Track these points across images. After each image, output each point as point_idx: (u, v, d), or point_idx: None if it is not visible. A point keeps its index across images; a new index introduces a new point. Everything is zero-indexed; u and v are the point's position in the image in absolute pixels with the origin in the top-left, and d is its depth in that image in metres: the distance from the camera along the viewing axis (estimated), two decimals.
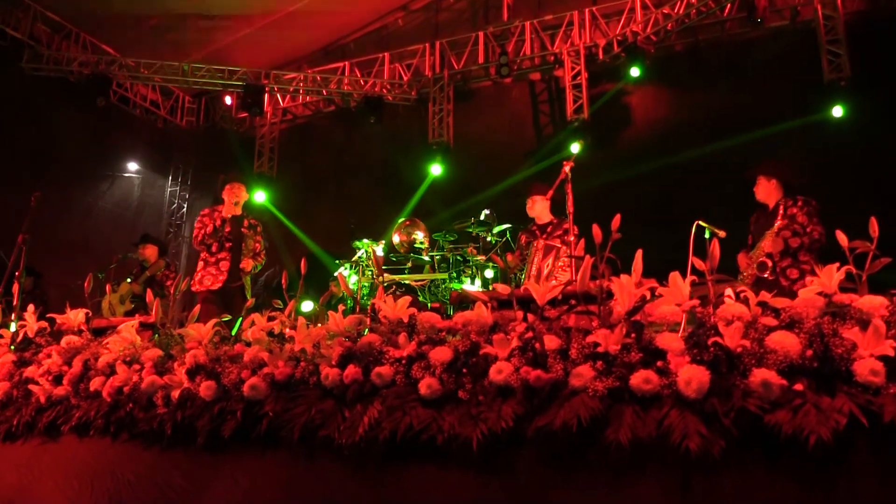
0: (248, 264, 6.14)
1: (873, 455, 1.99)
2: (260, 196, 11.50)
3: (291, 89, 12.09)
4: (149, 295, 4.17)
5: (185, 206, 12.67)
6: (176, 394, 3.03)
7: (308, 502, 2.67)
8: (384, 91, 11.57)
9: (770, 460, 2.07)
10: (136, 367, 3.27)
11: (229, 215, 6.09)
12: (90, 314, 3.88)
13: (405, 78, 11.69)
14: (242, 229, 6.22)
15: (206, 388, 2.95)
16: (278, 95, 12.52)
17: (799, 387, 2.10)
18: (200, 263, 6.12)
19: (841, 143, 8.59)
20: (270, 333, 3.10)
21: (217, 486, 2.84)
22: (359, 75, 11.84)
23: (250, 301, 3.90)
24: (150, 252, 7.30)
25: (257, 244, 6.30)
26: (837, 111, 8.61)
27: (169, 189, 12.81)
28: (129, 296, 7.12)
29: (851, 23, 8.99)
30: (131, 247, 7.57)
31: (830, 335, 2.17)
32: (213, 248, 6.09)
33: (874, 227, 2.46)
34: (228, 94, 12.37)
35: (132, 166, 12.26)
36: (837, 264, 2.41)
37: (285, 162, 12.40)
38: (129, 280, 7.23)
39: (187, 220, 12.64)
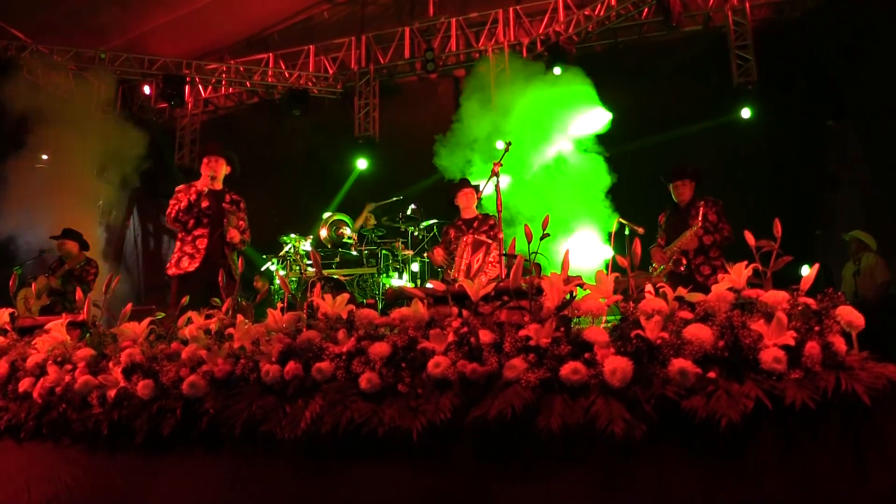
0: (234, 235, 5.57)
1: (775, 435, 2.20)
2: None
3: (213, 80, 11.89)
4: (78, 293, 4.06)
5: (101, 199, 12.21)
6: (112, 393, 3.01)
7: (252, 498, 2.71)
8: (309, 84, 11.51)
9: (686, 442, 2.26)
10: (68, 367, 3.22)
11: (206, 189, 5.57)
12: (16, 313, 3.78)
13: (331, 71, 11.65)
14: (224, 205, 5.69)
15: (143, 387, 2.94)
16: (200, 86, 12.27)
17: (712, 374, 2.29)
18: (176, 244, 5.62)
19: (749, 143, 9.10)
20: (208, 332, 3.11)
21: (159, 486, 2.85)
22: (283, 67, 11.73)
23: (263, 289, 3.63)
24: (71, 246, 7.10)
25: (241, 221, 5.75)
26: (746, 113, 9.11)
27: (86, 180, 12.31)
28: (46, 290, 6.91)
29: (759, 29, 9.52)
30: (50, 241, 7.34)
31: (740, 327, 2.36)
32: (190, 226, 5.54)
33: (777, 227, 2.68)
34: (147, 83, 12.02)
35: (43, 156, 11.76)
36: (746, 262, 2.62)
37: None
38: (46, 275, 7.01)
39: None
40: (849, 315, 2.35)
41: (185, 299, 3.66)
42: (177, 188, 5.63)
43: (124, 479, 2.91)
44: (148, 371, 3.04)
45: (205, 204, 5.52)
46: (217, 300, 3.30)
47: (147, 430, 2.90)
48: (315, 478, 2.68)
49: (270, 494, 2.73)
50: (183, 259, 5.46)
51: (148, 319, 3.32)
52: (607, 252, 8.53)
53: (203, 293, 4.28)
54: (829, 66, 8.83)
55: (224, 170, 5.81)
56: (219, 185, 5.76)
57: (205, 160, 5.78)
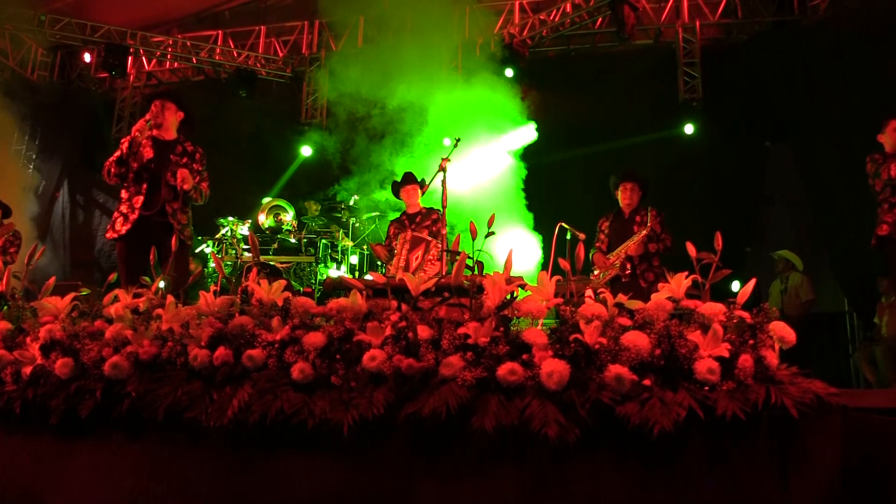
0: (185, 176, 4.77)
1: (706, 444, 2.24)
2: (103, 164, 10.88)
3: (158, 53, 11.51)
4: None
5: (31, 167, 11.68)
6: (27, 370, 2.86)
7: (173, 486, 2.61)
8: (258, 65, 11.27)
9: (619, 448, 2.27)
10: None
11: (145, 136, 4.82)
12: None
13: (280, 54, 11.43)
14: (172, 156, 4.94)
15: (61, 366, 2.80)
16: (143, 58, 11.87)
17: (647, 382, 2.31)
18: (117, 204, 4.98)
19: (689, 158, 9.31)
20: (136, 311, 2.98)
21: (74, 471, 2.72)
22: (232, 46, 11.45)
23: (196, 271, 3.30)
24: None
25: (197, 175, 5.00)
26: (689, 129, 9.31)
27: (13, 148, 11.78)
28: None
29: (707, 48, 9.74)
30: None
31: (677, 336, 2.39)
32: (130, 180, 4.84)
33: (718, 240, 2.72)
34: (88, 51, 11.55)
35: None
36: (686, 273, 2.65)
37: None
38: None
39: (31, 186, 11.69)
40: (781, 331, 2.40)
41: (113, 276, 3.52)
42: (122, 139, 4.97)
43: (35, 461, 2.77)
44: (68, 349, 2.89)
45: (147, 156, 4.84)
46: (147, 279, 3.16)
47: (63, 411, 2.76)
48: (240, 468, 2.60)
49: (192, 483, 2.63)
50: (118, 220, 4.85)
51: (71, 295, 3.17)
52: (538, 253, 8.62)
53: (142, 260, 3.79)
54: (770, 89, 9.10)
55: (175, 116, 5.11)
56: (169, 135, 5.08)
57: (153, 105, 5.05)
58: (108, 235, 4.93)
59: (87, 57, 11.71)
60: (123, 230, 4.79)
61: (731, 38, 9.94)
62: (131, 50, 11.18)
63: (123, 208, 4.87)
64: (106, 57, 10.87)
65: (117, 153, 4.84)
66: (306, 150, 10.76)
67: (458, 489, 2.38)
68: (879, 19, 7.98)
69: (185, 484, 2.61)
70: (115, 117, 11.69)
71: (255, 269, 3.09)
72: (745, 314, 2.46)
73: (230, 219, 8.22)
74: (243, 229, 8.22)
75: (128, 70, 11.46)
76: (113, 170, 4.84)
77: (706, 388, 2.28)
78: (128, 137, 4.85)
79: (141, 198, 4.83)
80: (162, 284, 3.14)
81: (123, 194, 4.93)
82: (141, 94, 11.94)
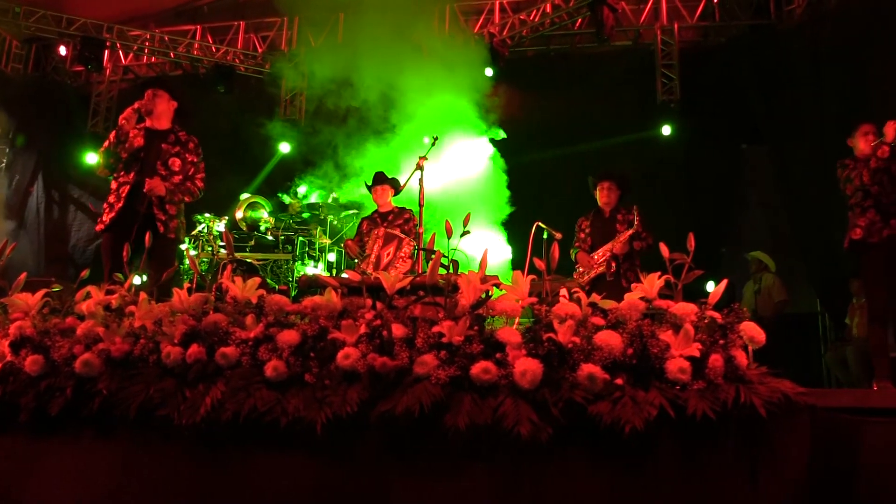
0: (154, 185, 4.56)
1: (677, 442, 2.26)
2: (92, 158, 10.78)
3: (136, 47, 11.38)
4: None
5: (4, 162, 11.50)
6: None
7: (145, 484, 2.58)
8: (237, 61, 11.20)
9: (591, 446, 2.29)
10: None
11: (133, 123, 4.69)
12: None
13: (259, 50, 11.36)
14: (163, 145, 4.83)
15: (31, 363, 2.76)
16: (120, 52, 11.73)
17: (619, 381, 2.32)
18: None
19: (667, 159, 9.38)
20: (108, 308, 2.95)
21: (45, 469, 2.69)
22: (210, 41, 11.36)
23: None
24: None
25: (191, 167, 4.90)
26: (667, 130, 9.39)
27: None
28: None
29: (685, 51, 9.83)
30: None
31: (649, 336, 2.41)
32: (120, 170, 4.71)
33: (691, 242, 2.75)
34: (64, 44, 11.39)
35: None
36: (659, 273, 2.68)
37: None
38: None
39: (4, 180, 11.52)
40: (751, 331, 2.43)
41: (86, 272, 3.47)
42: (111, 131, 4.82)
43: (5, 459, 2.73)
44: (38, 346, 2.85)
45: (137, 144, 4.71)
46: (120, 275, 3.12)
47: (34, 409, 2.73)
48: (212, 466, 2.58)
49: (164, 481, 2.61)
50: (105, 211, 4.70)
51: (43, 291, 3.12)
52: (507, 252, 8.65)
53: (114, 252, 3.63)
54: (747, 92, 9.19)
55: (167, 105, 4.96)
56: (161, 123, 4.93)
57: (144, 94, 4.90)
58: (97, 228, 4.79)
59: (62, 50, 11.56)
60: (108, 220, 4.66)
61: (709, 40, 10.03)
62: (108, 44, 11.04)
63: (111, 198, 4.74)
64: (82, 50, 10.72)
65: (105, 144, 4.74)
66: (284, 147, 10.70)
67: (431, 487, 2.39)
68: (854, 25, 8.08)
69: (157, 482, 2.59)
70: (90, 112, 11.57)
71: (229, 267, 3.07)
72: (717, 314, 2.49)
73: (206, 215, 8.15)
74: (220, 226, 8.16)
75: (104, 64, 11.32)
76: (101, 160, 4.75)
77: (677, 387, 2.30)
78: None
79: (128, 187, 4.69)
80: (138, 280, 3.11)
81: (113, 184, 4.81)
82: (118, 88, 11.82)
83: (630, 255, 5.93)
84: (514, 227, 8.78)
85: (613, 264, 5.90)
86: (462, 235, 3.10)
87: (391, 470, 2.43)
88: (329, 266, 8.54)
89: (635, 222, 5.91)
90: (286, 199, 8.85)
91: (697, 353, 2.35)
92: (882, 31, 7.66)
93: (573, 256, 6.25)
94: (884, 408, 2.39)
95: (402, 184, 6.02)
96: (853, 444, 2.26)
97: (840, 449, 2.28)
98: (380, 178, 6.47)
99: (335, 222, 8.79)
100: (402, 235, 5.57)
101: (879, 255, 4.90)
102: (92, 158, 10.77)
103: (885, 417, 2.31)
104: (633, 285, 2.72)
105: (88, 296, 3.01)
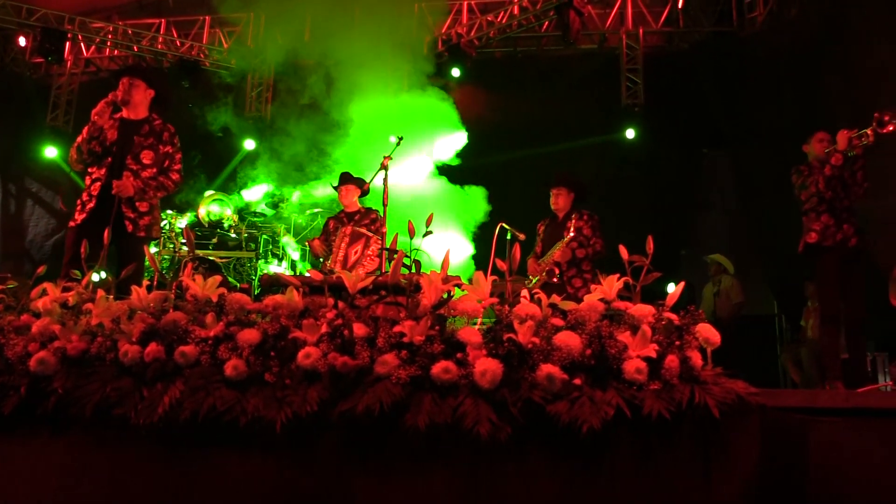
0: (123, 186, 4.37)
1: (633, 442, 2.30)
2: (51, 151, 10.58)
3: (98, 40, 11.18)
4: None
5: None
6: None
7: (101, 485, 2.54)
8: (202, 56, 11.05)
9: (549, 446, 2.32)
10: None
11: (107, 118, 4.52)
12: None
13: (225, 45, 11.23)
14: (136, 137, 4.63)
15: None
16: (82, 44, 11.50)
17: (578, 381, 2.35)
18: None
19: (630, 162, 9.51)
20: (65, 305, 2.90)
21: None
22: (175, 35, 11.20)
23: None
24: None
25: (165, 159, 4.72)
26: (630, 133, 9.52)
27: None
28: None
29: (650, 56, 9.97)
30: None
31: (607, 337, 2.44)
32: (93, 167, 4.55)
33: (650, 244, 2.79)
34: (24, 34, 11.13)
35: None
36: (618, 275, 2.72)
37: (83, 116, 11.31)
38: None
39: None
40: (706, 332, 2.48)
41: (42, 268, 3.41)
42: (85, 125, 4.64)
43: None
44: None
45: (111, 137, 4.54)
46: (78, 272, 3.07)
47: None
48: (171, 466, 2.55)
49: (121, 482, 2.57)
50: (77, 208, 4.53)
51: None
52: (468, 249, 8.70)
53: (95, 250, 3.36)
54: (709, 97, 9.36)
55: (144, 94, 4.75)
56: (137, 113, 4.73)
57: (119, 84, 4.69)
58: (69, 224, 4.58)
59: (21, 41, 11.26)
60: (79, 219, 4.49)
61: (673, 46, 10.19)
62: (69, 35, 10.81)
63: (84, 196, 4.56)
64: (42, 42, 10.48)
65: (79, 139, 4.58)
66: (249, 144, 10.61)
67: (392, 487, 2.39)
68: (813, 34, 8.27)
69: (113, 482, 2.55)
70: (50, 105, 11.32)
71: (189, 264, 3.04)
72: (673, 316, 2.54)
73: (169, 212, 8.06)
74: (182, 222, 8.06)
75: (65, 56, 11.08)
76: (74, 155, 4.60)
77: (634, 387, 2.34)
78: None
79: (99, 184, 4.52)
80: (96, 278, 3.06)
81: (86, 181, 4.65)
82: (79, 81, 11.59)
83: (574, 262, 5.89)
84: (479, 228, 8.82)
85: (556, 270, 5.88)
86: (425, 236, 3.11)
87: (352, 470, 2.43)
88: (293, 264, 8.49)
89: (572, 229, 5.91)
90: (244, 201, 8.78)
91: (654, 354, 2.39)
92: (834, 43, 7.85)
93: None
94: (831, 407, 2.46)
95: (366, 184, 6.00)
96: (801, 441, 2.32)
97: (789, 447, 2.34)
98: (345, 178, 6.44)
99: (299, 220, 8.74)
100: (370, 234, 5.56)
101: (833, 258, 5.03)
102: (51, 152, 10.58)
103: (832, 417, 2.38)
104: (592, 286, 2.76)
105: (45, 293, 2.95)
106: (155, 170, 4.68)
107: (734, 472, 2.30)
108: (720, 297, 8.33)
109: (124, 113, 4.73)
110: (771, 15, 9.17)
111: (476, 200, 8.97)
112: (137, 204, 4.57)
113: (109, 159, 4.57)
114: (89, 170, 4.64)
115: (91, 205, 4.49)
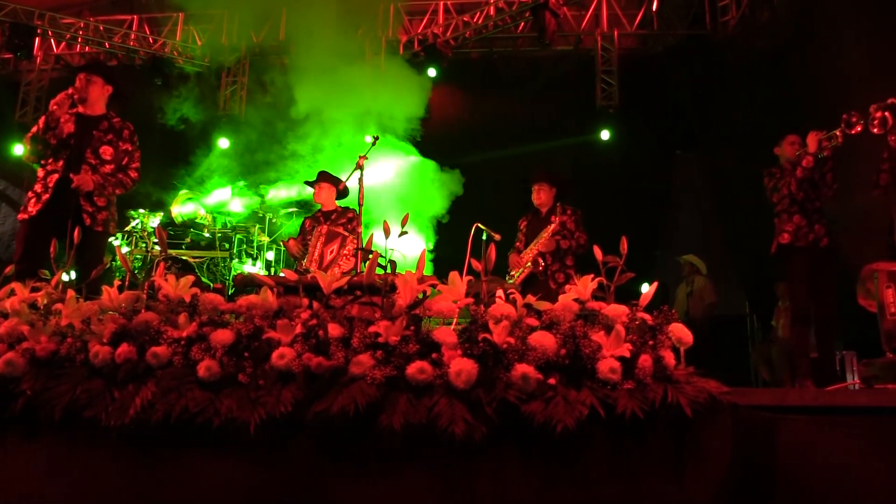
0: (82, 181, 4.38)
1: (607, 441, 2.31)
2: (19, 149, 10.39)
3: (68, 36, 11.02)
4: None
5: None
6: None
7: (70, 488, 2.50)
8: (175, 53, 10.94)
9: (524, 446, 2.32)
10: None
11: (66, 109, 4.47)
12: None
13: (199, 42, 11.13)
14: (95, 132, 4.61)
15: None
16: (52, 40, 11.32)
17: (552, 381, 2.36)
18: None
19: (604, 163, 9.58)
20: (34, 306, 2.85)
21: None
22: (147, 32, 11.07)
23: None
24: None
25: (124, 156, 4.70)
26: (605, 135, 9.59)
27: None
28: None
29: (625, 58, 10.05)
30: None
31: (581, 337, 2.46)
32: (48, 158, 4.49)
33: (624, 245, 2.81)
34: None
35: None
36: (593, 275, 2.73)
37: None
38: None
39: None
40: (679, 332, 2.50)
41: (10, 269, 3.34)
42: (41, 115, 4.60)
43: None
44: None
45: (67, 131, 4.49)
46: (47, 272, 3.02)
47: None
48: (142, 468, 2.51)
49: (91, 484, 2.53)
50: (31, 200, 4.46)
51: None
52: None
53: (46, 245, 3.32)
54: (682, 99, 9.46)
55: (102, 91, 4.75)
56: (95, 110, 4.72)
57: (76, 80, 4.69)
58: (19, 217, 4.54)
59: None
60: (34, 211, 4.42)
61: (648, 48, 10.28)
62: (39, 31, 10.66)
63: (38, 187, 4.50)
64: (11, 37, 10.31)
65: (34, 129, 4.52)
66: (223, 142, 10.52)
67: (367, 487, 2.39)
68: (784, 37, 8.39)
69: (83, 485, 2.51)
70: (19, 101, 11.14)
71: (162, 264, 3.01)
72: (647, 316, 2.56)
73: (141, 211, 7.96)
74: (154, 221, 7.97)
75: (34, 52, 10.92)
76: (28, 147, 4.53)
77: (608, 387, 2.35)
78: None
79: (56, 176, 4.46)
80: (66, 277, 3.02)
81: (40, 172, 4.58)
82: (49, 77, 11.41)
83: (559, 254, 5.95)
84: (454, 228, 8.82)
85: (541, 261, 5.93)
86: (400, 236, 3.10)
87: (327, 471, 2.42)
88: (268, 264, 8.44)
89: (556, 220, 5.97)
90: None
91: (628, 354, 2.41)
92: (804, 46, 7.97)
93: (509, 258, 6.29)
94: (800, 406, 2.49)
95: (342, 182, 5.97)
96: (771, 438, 2.35)
97: (760, 444, 2.37)
98: (322, 177, 6.40)
99: (273, 220, 8.69)
100: (346, 233, 5.53)
101: (804, 259, 5.11)
102: (19, 150, 10.39)
103: (800, 415, 2.41)
104: (566, 287, 2.77)
105: (13, 293, 2.90)
106: (114, 166, 4.67)
107: (707, 468, 2.32)
108: (693, 297, 8.42)
109: (81, 108, 4.71)
110: (743, 18, 9.28)
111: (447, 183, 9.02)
112: (95, 198, 4.55)
113: (67, 152, 4.53)
114: (42, 161, 4.58)
115: (46, 196, 4.44)
